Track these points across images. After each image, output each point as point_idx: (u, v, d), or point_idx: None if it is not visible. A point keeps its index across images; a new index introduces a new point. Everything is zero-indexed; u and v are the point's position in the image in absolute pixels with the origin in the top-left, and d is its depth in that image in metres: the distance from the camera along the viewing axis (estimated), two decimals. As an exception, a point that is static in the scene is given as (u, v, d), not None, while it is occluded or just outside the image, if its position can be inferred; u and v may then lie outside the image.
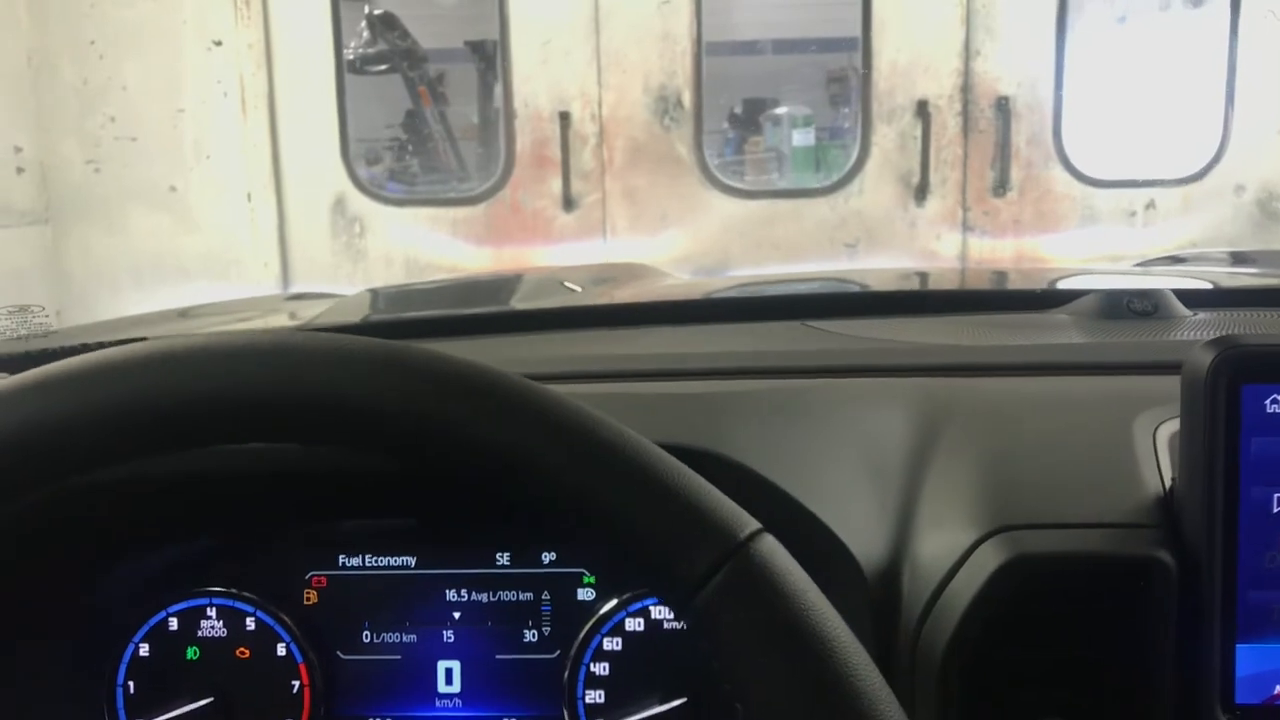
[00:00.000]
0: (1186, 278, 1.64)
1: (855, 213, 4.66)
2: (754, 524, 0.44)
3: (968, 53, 4.51)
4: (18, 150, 4.43)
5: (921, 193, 4.61)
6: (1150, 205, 4.64)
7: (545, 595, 0.75)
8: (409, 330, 0.95)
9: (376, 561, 0.76)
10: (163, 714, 0.72)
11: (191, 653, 0.75)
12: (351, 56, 5.78)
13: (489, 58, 5.06)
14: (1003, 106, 4.52)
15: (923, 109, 4.54)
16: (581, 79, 4.54)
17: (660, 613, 0.72)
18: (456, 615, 0.76)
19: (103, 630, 0.75)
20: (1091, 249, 4.52)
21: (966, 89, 4.54)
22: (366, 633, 0.76)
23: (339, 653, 0.76)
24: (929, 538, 0.60)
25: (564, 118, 4.53)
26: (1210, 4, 4.80)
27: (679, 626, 0.72)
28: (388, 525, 0.76)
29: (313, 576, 0.76)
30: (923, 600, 0.58)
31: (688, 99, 4.55)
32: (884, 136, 4.59)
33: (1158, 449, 0.64)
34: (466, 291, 1.52)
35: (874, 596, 0.59)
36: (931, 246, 4.65)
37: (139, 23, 4.48)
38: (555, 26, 4.52)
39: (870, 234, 4.67)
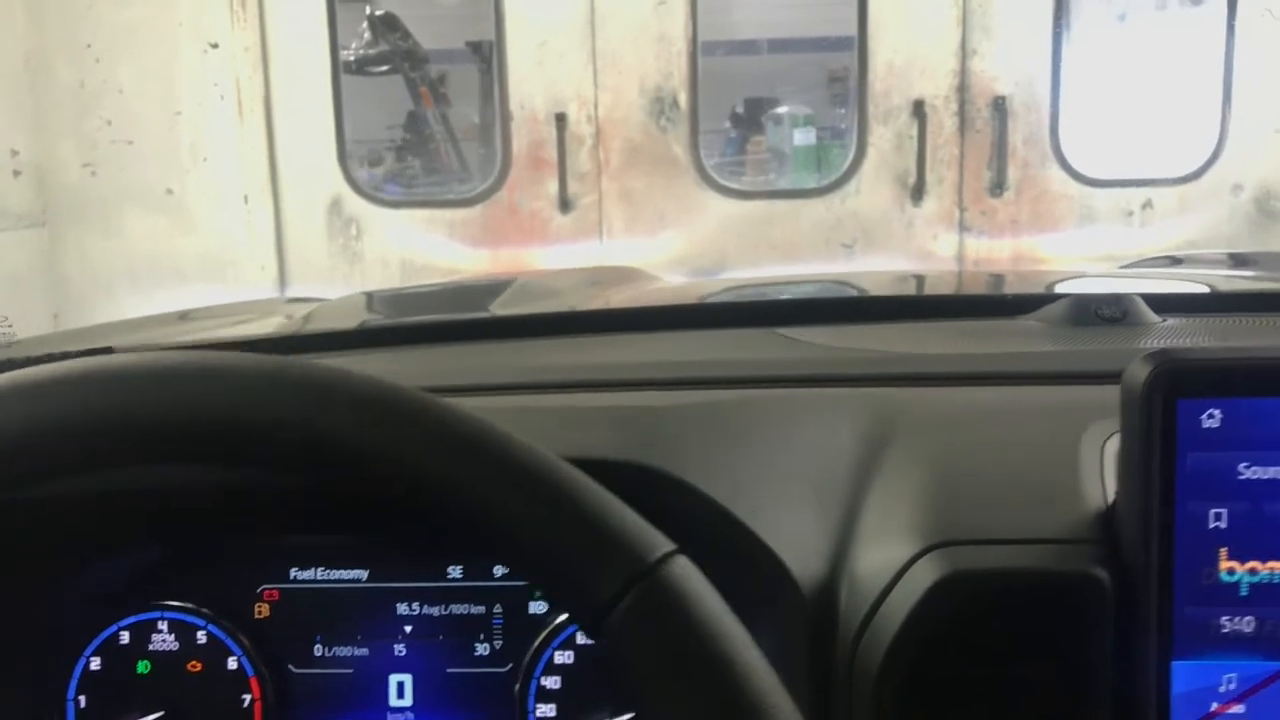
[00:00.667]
0: (1171, 280, 1.64)
1: (852, 213, 4.65)
2: (666, 545, 0.43)
3: (964, 52, 4.51)
4: (14, 153, 4.44)
5: (918, 193, 4.61)
6: (1148, 205, 4.63)
7: (497, 608, 0.75)
8: (363, 339, 0.95)
9: (328, 575, 0.76)
10: (114, 728, 0.72)
11: (143, 666, 0.75)
12: (353, 58, 5.79)
13: (488, 59, 5.06)
14: (999, 106, 4.51)
15: (919, 109, 4.54)
16: (577, 80, 4.54)
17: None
18: (408, 629, 0.76)
19: (54, 645, 0.75)
20: (1088, 249, 4.52)
21: (963, 89, 4.54)
22: (318, 646, 0.76)
23: (291, 666, 0.76)
24: (868, 552, 0.60)
25: (560, 119, 4.53)
26: (1208, 3, 4.79)
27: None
28: (338, 540, 0.76)
29: (264, 590, 0.76)
30: (859, 616, 0.58)
31: (684, 100, 4.55)
32: (880, 137, 4.59)
33: (1104, 462, 0.64)
34: (443, 298, 1.52)
35: (810, 612, 0.59)
36: (929, 247, 4.65)
37: (135, 25, 4.48)
38: (551, 28, 4.52)
39: (867, 235, 4.66)
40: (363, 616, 0.76)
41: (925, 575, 0.57)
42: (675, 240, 4.62)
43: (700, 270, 4.50)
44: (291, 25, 4.56)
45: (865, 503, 0.63)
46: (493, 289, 1.53)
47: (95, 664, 0.75)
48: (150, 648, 0.75)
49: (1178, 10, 5.22)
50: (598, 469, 0.59)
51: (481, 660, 0.75)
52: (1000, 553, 0.57)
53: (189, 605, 0.74)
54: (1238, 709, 0.57)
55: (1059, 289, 1.24)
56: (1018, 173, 4.59)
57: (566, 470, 0.43)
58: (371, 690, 0.76)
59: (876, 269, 4.32)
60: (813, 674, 0.58)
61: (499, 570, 0.75)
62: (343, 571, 0.76)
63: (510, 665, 0.74)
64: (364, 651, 0.76)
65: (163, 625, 0.75)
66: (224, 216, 4.64)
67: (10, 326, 0.96)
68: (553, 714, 0.73)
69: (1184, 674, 0.57)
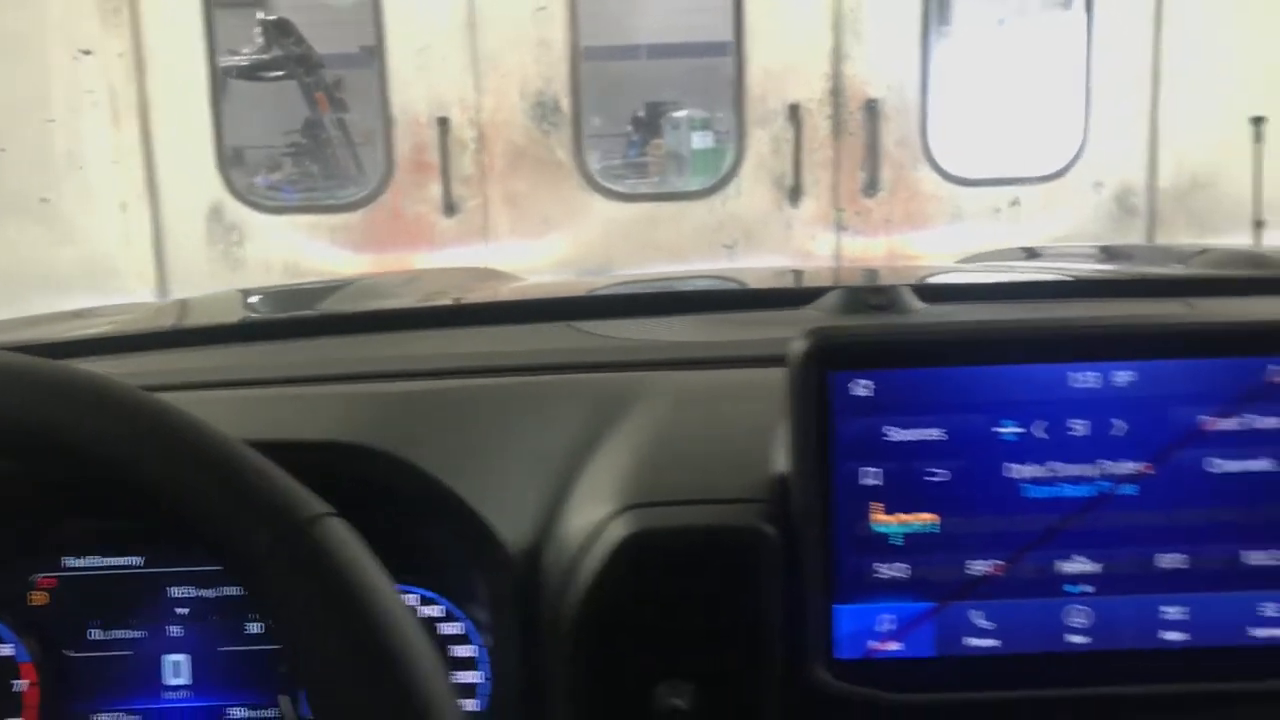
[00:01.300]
0: (986, 271, 1.74)
1: (732, 215, 4.75)
2: (322, 507, 0.49)
3: (837, 57, 4.63)
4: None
5: (796, 194, 4.72)
6: (1015, 202, 4.80)
7: (266, 588, 0.79)
8: (159, 341, 0.99)
9: (104, 562, 0.80)
10: (-117, 717, 0.75)
11: (-86, 656, 0.78)
12: (246, 63, 5.74)
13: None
14: (872, 109, 4.65)
15: (795, 113, 4.65)
16: (459, 85, 4.57)
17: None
18: (182, 611, 0.80)
19: None
20: (959, 245, 4.66)
21: (836, 92, 4.66)
22: (95, 631, 0.79)
23: (67, 651, 0.79)
24: (573, 517, 0.66)
25: (442, 123, 4.55)
26: (1071, 7, 4.99)
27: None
28: (114, 526, 0.79)
29: (40, 578, 0.79)
30: (561, 573, 0.64)
31: (566, 104, 4.60)
32: (759, 140, 4.69)
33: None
34: (279, 298, 1.55)
35: (518, 571, 0.65)
36: (807, 246, 4.76)
37: (3, 31, 4.39)
38: (432, 32, 4.54)
39: (748, 235, 4.76)
40: (138, 601, 0.79)
41: (615, 534, 0.63)
42: (560, 243, 4.67)
43: (586, 272, 4.56)
44: (167, 31, 4.51)
45: (580, 474, 0.69)
46: (331, 289, 1.57)
47: None
48: None
49: (1043, 14, 5.44)
50: (323, 449, 0.65)
51: (252, 639, 0.79)
52: (682, 512, 0.63)
53: None
54: (895, 645, 0.64)
55: (885, 280, 1.32)
56: (891, 174, 4.72)
57: (233, 447, 0.49)
58: (148, 671, 0.80)
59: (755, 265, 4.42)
60: (523, 626, 0.64)
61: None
62: (118, 558, 0.79)
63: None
64: (140, 634, 0.80)
65: None
66: (102, 225, 4.57)
67: None
68: None
69: (846, 617, 0.64)
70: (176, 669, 0.80)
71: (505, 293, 1.51)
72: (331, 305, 1.39)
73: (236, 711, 0.77)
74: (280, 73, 5.99)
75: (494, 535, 0.64)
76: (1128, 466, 0.63)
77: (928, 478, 0.63)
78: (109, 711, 0.80)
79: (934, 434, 0.63)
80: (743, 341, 0.87)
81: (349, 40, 5.89)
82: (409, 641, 0.46)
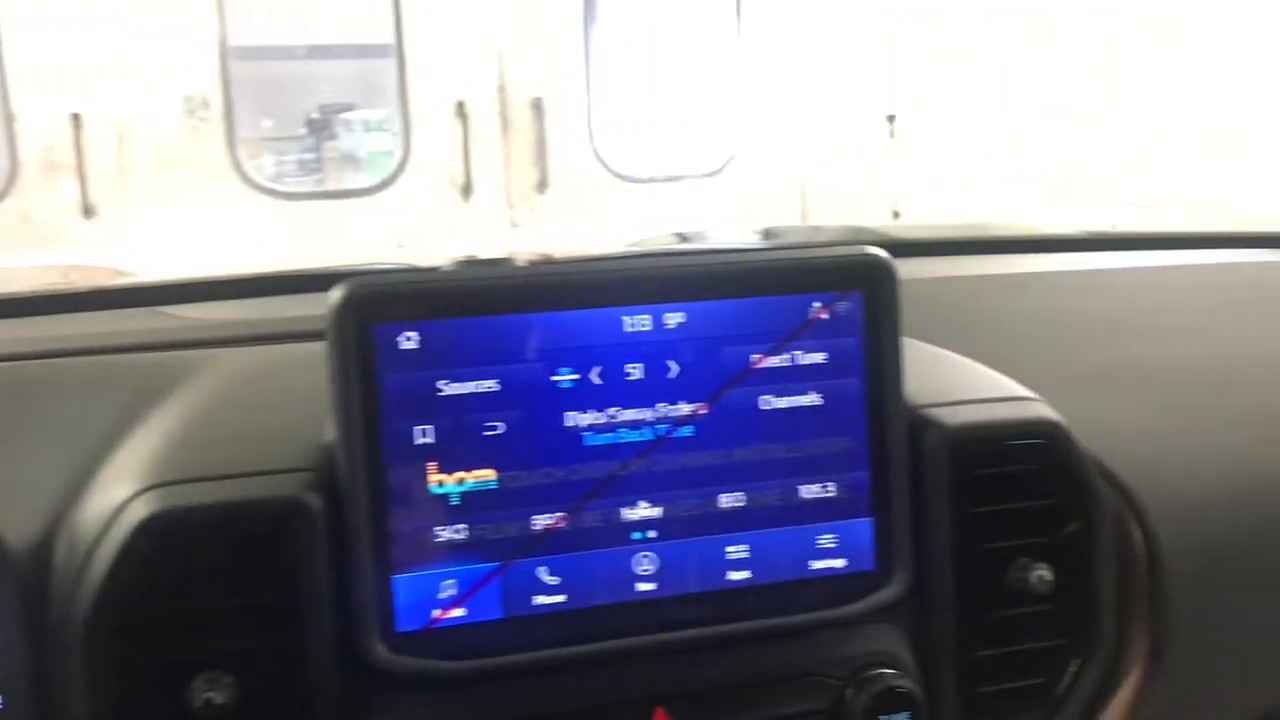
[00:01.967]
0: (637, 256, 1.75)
1: (403, 213, 4.65)
2: None
3: (501, 54, 4.63)
4: None
5: (467, 192, 4.68)
6: (679, 199, 4.97)
7: None
8: None
9: None
10: None
11: None
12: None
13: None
14: (538, 107, 4.67)
15: (461, 110, 4.61)
16: (97, 78, 4.22)
17: None
18: None
19: None
20: (628, 240, 4.76)
21: (502, 90, 4.65)
22: None
23: None
24: (88, 503, 0.59)
25: (75, 119, 4.20)
26: (723, 12, 5.21)
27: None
28: None
29: None
30: (74, 568, 0.56)
31: (216, 102, 4.36)
32: (427, 138, 4.62)
33: None
34: None
35: (25, 574, 0.57)
36: (481, 243, 4.72)
37: None
38: (62, 23, 4.18)
39: (420, 233, 4.67)
40: None
41: (132, 516, 0.56)
42: (214, 244, 4.41)
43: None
44: None
45: (107, 459, 0.62)
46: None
47: None
48: None
49: (700, 18, 5.65)
50: None
51: None
52: (213, 488, 0.58)
53: None
54: (459, 611, 0.61)
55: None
56: (561, 171, 4.77)
57: None
58: None
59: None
60: (30, 634, 0.56)
61: None
62: None
63: None
64: None
65: None
66: None
67: None
68: None
69: (405, 586, 0.60)
70: None
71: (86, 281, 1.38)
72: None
73: None
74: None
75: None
76: (684, 408, 0.63)
77: (484, 432, 0.60)
78: None
79: (488, 386, 0.60)
80: (305, 316, 0.82)
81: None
82: None
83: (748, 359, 0.63)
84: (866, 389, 0.65)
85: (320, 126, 6.68)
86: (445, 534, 0.60)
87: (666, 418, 0.62)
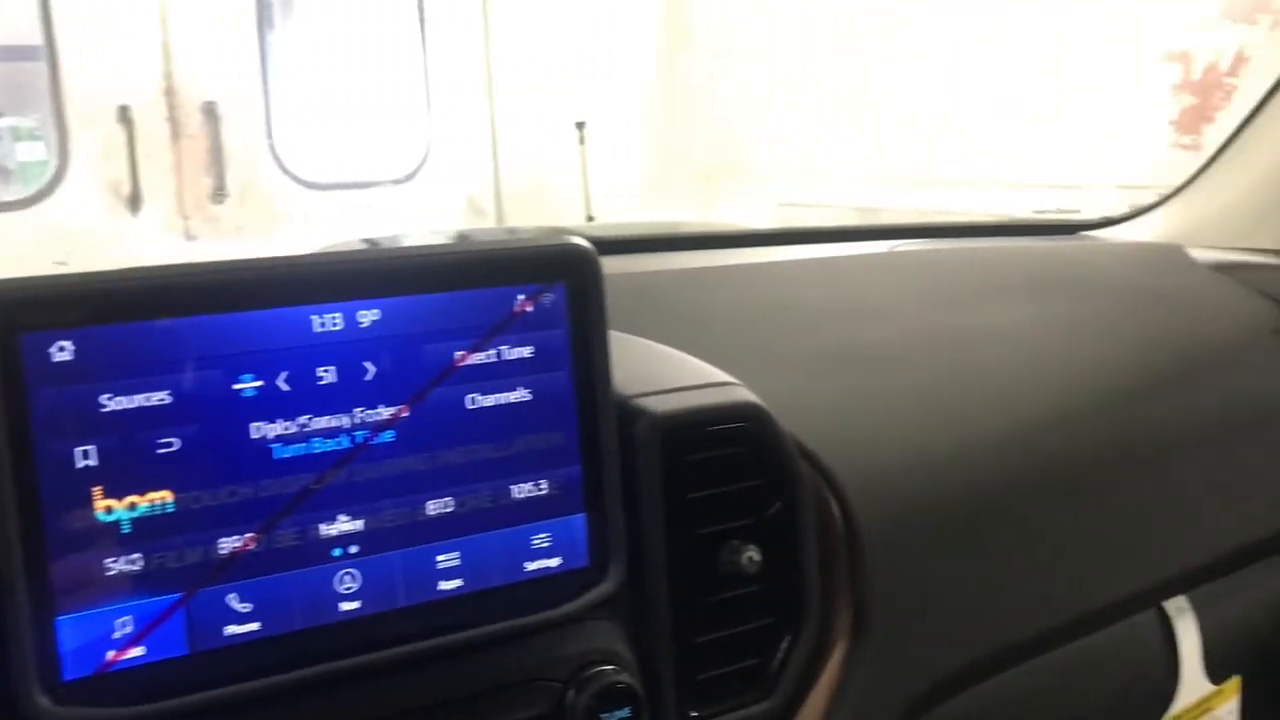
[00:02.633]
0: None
1: (63, 227, 4.28)
2: None
3: (167, 55, 4.34)
4: None
5: (135, 202, 4.36)
6: (370, 206, 4.84)
7: None
8: None
9: None
10: None
11: None
12: None
13: None
14: (211, 111, 4.42)
15: (125, 115, 4.29)
16: None
17: None
18: None
19: None
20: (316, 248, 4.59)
21: (171, 93, 4.37)
22: None
23: None
24: None
25: None
26: (406, 16, 5.12)
27: None
28: None
29: None
30: None
31: None
32: (86, 145, 4.27)
33: None
34: None
35: None
36: (154, 257, 4.42)
37: None
38: None
39: (84, 247, 4.31)
40: None
41: None
42: None
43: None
44: None
45: None
46: None
47: None
48: None
49: (385, 22, 5.53)
50: None
51: None
52: None
53: None
54: (137, 651, 0.54)
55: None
56: (240, 178, 4.53)
57: None
58: None
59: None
60: None
61: None
62: None
63: None
64: None
65: None
66: None
67: None
68: None
69: (72, 628, 0.53)
70: None
71: None
72: None
73: None
74: None
75: None
76: (384, 412, 0.59)
77: (158, 450, 0.54)
78: None
79: (159, 398, 0.54)
80: None
81: None
82: None
83: (451, 356, 0.60)
84: (575, 382, 0.63)
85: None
86: (117, 566, 0.54)
87: (365, 423, 0.58)
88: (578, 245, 0.63)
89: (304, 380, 0.57)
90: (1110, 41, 3.71)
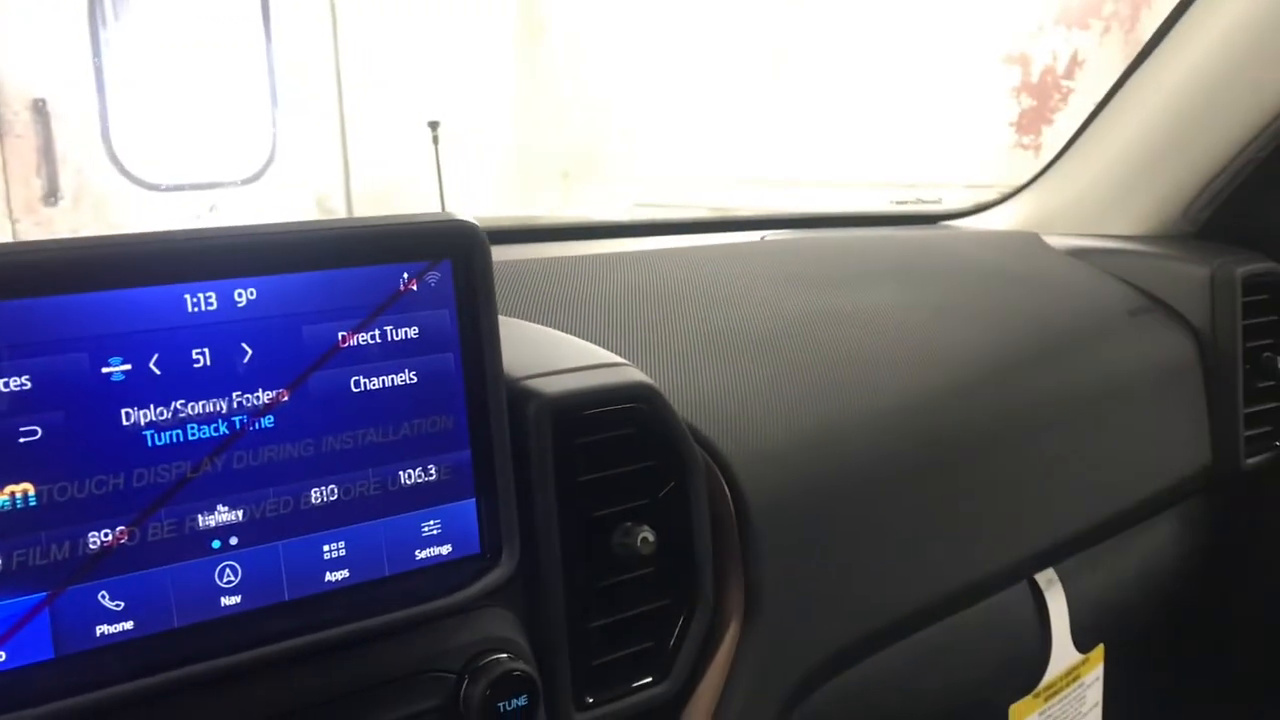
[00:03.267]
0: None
1: None
2: None
3: (-9, 48, 4.12)
4: None
5: (-43, 205, 4.11)
6: (213, 208, 4.67)
7: None
8: None
9: None
10: None
11: None
12: None
13: None
14: (41, 110, 4.20)
15: (-56, 111, 4.05)
16: None
17: None
18: None
19: None
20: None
21: (-5, 90, 4.14)
22: None
23: None
24: None
25: None
26: (250, 10, 4.96)
27: None
28: None
29: None
30: None
31: None
32: (-99, 144, 4.01)
33: None
34: None
35: None
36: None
37: None
38: None
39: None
40: None
41: None
42: None
43: None
44: None
45: None
46: None
47: None
48: None
49: (231, 17, 5.35)
50: None
51: None
52: None
53: None
54: (-2, 657, 0.50)
55: None
56: (73, 180, 4.32)
57: None
58: None
59: None
60: None
61: None
62: None
63: None
64: None
65: None
66: None
67: None
68: None
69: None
70: None
71: None
72: None
73: None
74: None
75: None
76: (263, 396, 0.56)
77: (19, 439, 0.50)
78: None
79: (18, 384, 0.50)
80: None
81: None
82: None
83: (333, 338, 0.58)
84: (464, 363, 0.61)
85: None
86: (-31, 566, 0.50)
87: (243, 408, 0.55)
88: (463, 222, 0.61)
89: (177, 363, 0.54)
90: (954, 46, 3.84)
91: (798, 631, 0.76)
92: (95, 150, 4.35)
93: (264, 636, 0.56)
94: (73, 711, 0.51)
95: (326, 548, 0.58)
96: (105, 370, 0.52)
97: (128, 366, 0.53)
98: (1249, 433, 1.14)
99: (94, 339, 0.52)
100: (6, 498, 0.50)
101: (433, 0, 5.08)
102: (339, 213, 4.99)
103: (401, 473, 0.60)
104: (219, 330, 0.55)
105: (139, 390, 0.53)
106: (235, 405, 0.55)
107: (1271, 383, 1.17)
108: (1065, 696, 1.01)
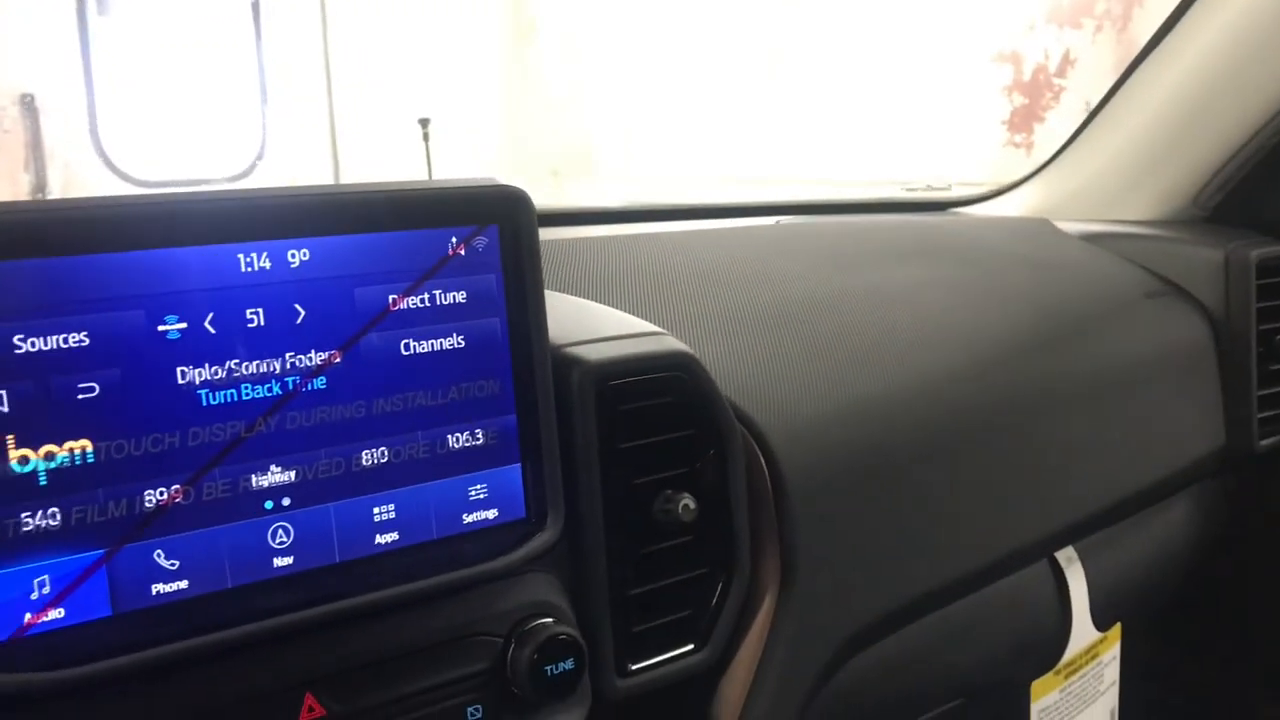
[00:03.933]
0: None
1: None
2: None
3: (-21, 43, 4.09)
4: None
5: (-55, 200, 4.09)
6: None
7: None
8: None
9: None
10: None
11: None
12: None
13: None
14: (29, 104, 4.18)
15: (-68, 105, 4.02)
16: None
17: None
18: None
19: None
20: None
21: (-17, 84, 4.12)
22: None
23: None
24: None
25: None
26: (240, 7, 4.94)
27: None
28: None
29: None
30: None
31: None
32: (-111, 137, 3.99)
33: None
34: None
35: None
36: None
37: None
38: None
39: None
40: None
41: None
42: None
43: None
44: None
45: None
46: None
47: None
48: None
49: (220, 14, 5.33)
50: None
51: None
52: None
53: None
54: (56, 613, 0.50)
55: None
56: (61, 175, 4.30)
57: None
58: None
59: None
60: None
61: None
62: None
63: None
64: None
65: None
66: None
67: None
68: None
69: (-15, 588, 0.49)
70: None
71: None
72: None
73: None
74: None
75: None
76: (315, 357, 0.56)
77: (77, 396, 0.50)
78: None
79: (78, 339, 0.50)
80: None
81: None
82: None
83: (384, 300, 0.58)
84: (510, 328, 0.61)
85: None
86: (33, 521, 0.49)
87: (296, 369, 0.55)
88: (511, 187, 0.61)
89: (232, 323, 0.54)
90: (947, 44, 3.86)
91: (831, 603, 0.76)
92: (83, 146, 4.34)
93: (315, 598, 0.56)
94: (130, 668, 0.51)
95: (377, 510, 0.58)
96: (161, 328, 0.52)
97: (183, 325, 0.53)
98: (1262, 415, 1.15)
99: (151, 297, 0.52)
100: (65, 454, 0.50)
101: (424, 0, 5.08)
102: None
103: (449, 436, 0.60)
104: (272, 290, 0.55)
105: (194, 349, 0.53)
106: (288, 366, 0.55)
107: (1284, 366, 1.18)
108: (1084, 674, 1.01)
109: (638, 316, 0.75)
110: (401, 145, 4.94)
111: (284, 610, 0.55)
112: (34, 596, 0.50)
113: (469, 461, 0.61)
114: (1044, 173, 1.37)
